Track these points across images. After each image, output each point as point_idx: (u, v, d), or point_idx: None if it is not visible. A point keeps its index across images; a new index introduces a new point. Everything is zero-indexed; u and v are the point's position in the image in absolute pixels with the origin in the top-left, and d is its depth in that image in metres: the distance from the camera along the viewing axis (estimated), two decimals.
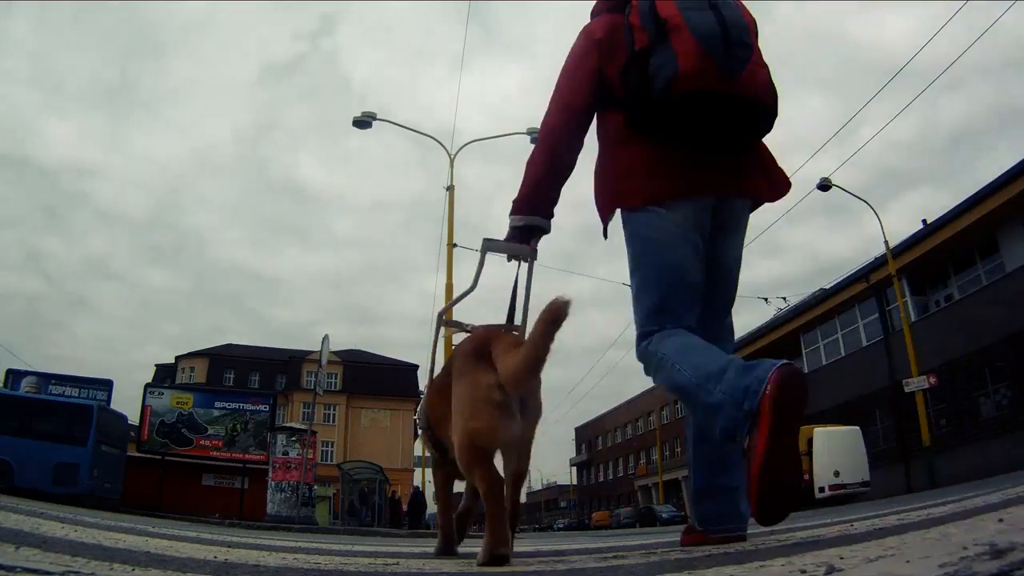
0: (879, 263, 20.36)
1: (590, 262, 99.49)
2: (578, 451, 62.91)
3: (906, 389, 16.33)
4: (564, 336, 1.71)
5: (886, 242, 18.19)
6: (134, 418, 19.68)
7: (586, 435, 61.04)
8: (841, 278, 23.35)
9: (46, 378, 19.92)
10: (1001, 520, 1.50)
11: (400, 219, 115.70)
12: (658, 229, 2.04)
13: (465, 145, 15.75)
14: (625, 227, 2.13)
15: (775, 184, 2.16)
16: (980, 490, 4.33)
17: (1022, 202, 16.23)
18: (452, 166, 14.77)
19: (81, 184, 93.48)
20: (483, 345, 1.86)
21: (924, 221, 20.26)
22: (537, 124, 2.41)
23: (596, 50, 2.15)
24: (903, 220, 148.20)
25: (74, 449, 14.80)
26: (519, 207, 2.23)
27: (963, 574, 0.88)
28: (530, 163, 2.23)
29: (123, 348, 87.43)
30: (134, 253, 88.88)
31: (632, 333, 2.12)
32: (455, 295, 2.65)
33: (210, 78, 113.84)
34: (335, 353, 36.36)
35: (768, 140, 2.15)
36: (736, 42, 1.92)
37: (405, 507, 25.57)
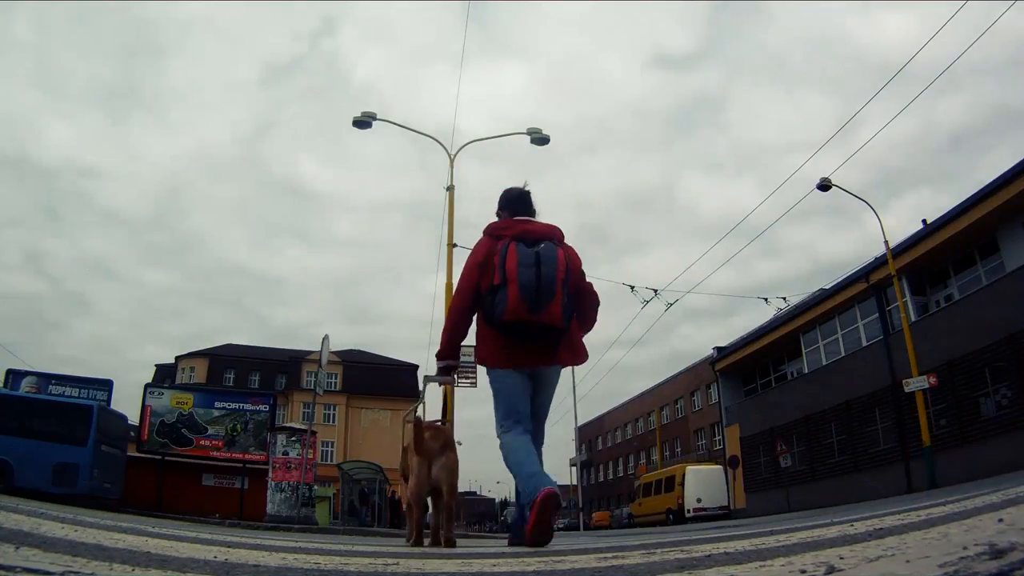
0: (879, 263, 20.34)
1: (591, 262, 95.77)
2: (578, 450, 62.92)
3: (906, 389, 16.32)
4: None
5: (886, 242, 18.18)
6: (134, 418, 19.65)
7: (586, 435, 60.99)
8: (841, 278, 23.29)
9: (46, 378, 19.88)
10: (1001, 520, 1.50)
11: (400, 219, 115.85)
12: (503, 380, 3.58)
13: (465, 145, 15.63)
14: (488, 376, 3.67)
15: (576, 356, 3.72)
16: (980, 490, 4.33)
17: (1022, 202, 16.23)
18: (452, 166, 14.71)
19: (81, 184, 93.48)
20: (418, 435, 3.55)
21: (924, 221, 20.21)
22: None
23: (478, 269, 3.57)
24: (903, 220, 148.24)
25: (74, 449, 14.81)
26: (442, 355, 3.76)
27: (963, 574, 0.88)
28: (444, 331, 3.74)
29: (123, 348, 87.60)
30: (134, 253, 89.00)
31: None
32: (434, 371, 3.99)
33: (210, 78, 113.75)
34: (335, 353, 36.38)
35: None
36: (544, 292, 3.37)
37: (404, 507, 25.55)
